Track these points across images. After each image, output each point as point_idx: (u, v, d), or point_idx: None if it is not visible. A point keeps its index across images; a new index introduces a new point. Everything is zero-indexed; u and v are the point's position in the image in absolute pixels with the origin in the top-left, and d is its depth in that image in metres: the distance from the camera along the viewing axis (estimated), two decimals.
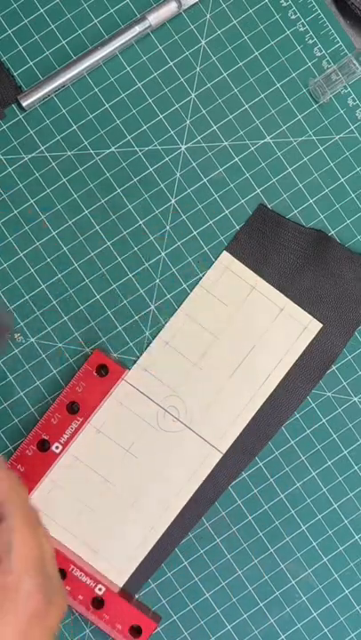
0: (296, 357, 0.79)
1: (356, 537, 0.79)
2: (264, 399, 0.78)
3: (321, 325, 0.79)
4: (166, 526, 0.77)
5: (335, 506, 0.79)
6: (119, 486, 0.78)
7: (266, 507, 0.79)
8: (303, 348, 0.79)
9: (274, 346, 0.79)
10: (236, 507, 0.78)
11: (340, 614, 0.79)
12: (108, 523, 0.78)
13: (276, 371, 0.79)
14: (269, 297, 0.79)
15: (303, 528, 0.79)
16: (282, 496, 0.79)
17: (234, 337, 0.79)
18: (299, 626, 0.79)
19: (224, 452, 0.78)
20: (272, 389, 0.78)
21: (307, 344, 0.79)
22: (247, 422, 0.78)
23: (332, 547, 0.79)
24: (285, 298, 0.79)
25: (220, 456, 0.78)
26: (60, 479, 0.78)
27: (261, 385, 0.79)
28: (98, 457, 0.78)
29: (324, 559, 0.79)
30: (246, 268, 0.80)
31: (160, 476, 0.78)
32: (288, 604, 0.79)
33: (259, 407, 0.78)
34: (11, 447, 0.79)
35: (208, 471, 0.78)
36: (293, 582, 0.79)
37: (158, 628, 0.78)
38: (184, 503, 0.77)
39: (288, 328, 0.79)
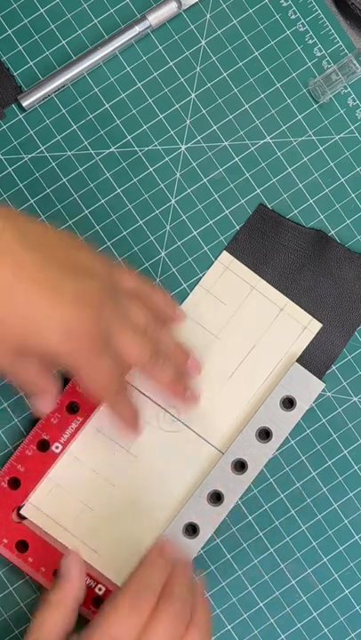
0: (296, 357, 0.79)
1: (356, 537, 0.79)
2: (264, 399, 0.78)
3: (321, 325, 0.79)
4: (166, 526, 0.77)
5: (335, 506, 0.79)
6: (119, 486, 0.78)
7: (266, 507, 0.79)
8: (303, 348, 0.79)
9: (274, 346, 0.79)
10: (236, 507, 0.78)
11: (340, 614, 0.79)
12: (108, 523, 0.78)
13: (276, 370, 0.79)
14: (269, 297, 0.79)
15: (303, 528, 0.79)
16: (282, 496, 0.79)
17: (234, 337, 0.79)
18: (299, 626, 0.79)
19: (224, 451, 0.78)
20: (272, 389, 0.78)
21: (307, 344, 0.79)
22: (247, 422, 0.78)
23: (332, 547, 0.79)
24: (285, 298, 0.79)
25: (220, 456, 0.78)
26: (60, 479, 0.78)
27: (261, 385, 0.79)
28: (98, 457, 0.78)
29: (324, 559, 0.79)
30: (246, 268, 0.80)
31: (160, 475, 0.78)
32: (288, 604, 0.79)
33: (259, 407, 0.78)
34: (11, 447, 0.79)
35: (208, 471, 0.78)
36: (293, 582, 0.79)
37: None
38: (184, 503, 0.77)
39: (288, 328, 0.79)
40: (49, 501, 0.78)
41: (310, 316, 0.79)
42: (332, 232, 0.80)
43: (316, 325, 0.79)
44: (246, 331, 0.79)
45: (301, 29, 0.81)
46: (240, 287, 0.80)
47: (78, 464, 0.78)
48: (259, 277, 0.79)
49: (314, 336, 0.79)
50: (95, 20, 0.80)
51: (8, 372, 0.70)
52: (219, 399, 0.79)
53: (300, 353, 0.79)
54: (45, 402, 0.74)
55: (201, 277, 0.80)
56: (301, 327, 0.79)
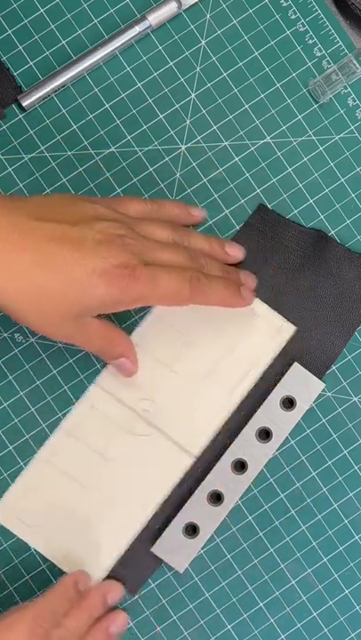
0: (269, 360, 0.78)
1: (356, 537, 0.79)
2: (237, 403, 0.78)
3: (295, 328, 0.79)
4: (138, 532, 0.77)
5: (335, 506, 0.79)
6: (92, 490, 0.77)
7: (266, 507, 0.79)
8: (277, 351, 0.78)
9: (247, 349, 0.78)
10: (236, 507, 0.78)
11: (340, 614, 0.79)
12: (80, 527, 0.77)
13: (250, 373, 0.78)
14: None
15: (303, 528, 0.79)
16: (282, 496, 0.79)
17: (208, 340, 0.78)
18: (299, 626, 0.79)
19: (197, 455, 0.78)
20: (245, 393, 0.77)
21: (281, 346, 0.78)
22: (220, 426, 0.77)
23: (332, 547, 0.79)
24: (258, 300, 0.79)
25: (192, 460, 0.78)
26: (32, 482, 0.77)
27: (235, 388, 0.78)
28: (70, 460, 0.77)
29: (324, 559, 0.79)
30: None
31: (133, 479, 0.77)
32: (288, 604, 0.79)
33: (232, 410, 0.78)
34: (11, 447, 0.79)
35: (180, 475, 0.77)
36: (293, 582, 0.79)
37: (159, 628, 0.78)
38: (157, 505, 0.77)
39: (261, 331, 0.78)
40: (20, 504, 0.77)
41: (283, 319, 0.78)
42: (332, 232, 0.80)
43: (290, 328, 0.79)
44: (220, 334, 0.78)
45: (301, 29, 0.81)
46: None
47: (50, 467, 0.77)
48: None
49: (288, 338, 0.78)
50: (95, 20, 0.80)
51: (79, 341, 0.73)
52: (192, 403, 0.78)
53: (273, 356, 0.78)
54: (129, 361, 0.77)
55: None
56: (275, 330, 0.79)
